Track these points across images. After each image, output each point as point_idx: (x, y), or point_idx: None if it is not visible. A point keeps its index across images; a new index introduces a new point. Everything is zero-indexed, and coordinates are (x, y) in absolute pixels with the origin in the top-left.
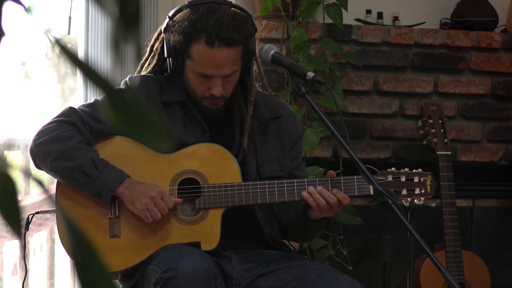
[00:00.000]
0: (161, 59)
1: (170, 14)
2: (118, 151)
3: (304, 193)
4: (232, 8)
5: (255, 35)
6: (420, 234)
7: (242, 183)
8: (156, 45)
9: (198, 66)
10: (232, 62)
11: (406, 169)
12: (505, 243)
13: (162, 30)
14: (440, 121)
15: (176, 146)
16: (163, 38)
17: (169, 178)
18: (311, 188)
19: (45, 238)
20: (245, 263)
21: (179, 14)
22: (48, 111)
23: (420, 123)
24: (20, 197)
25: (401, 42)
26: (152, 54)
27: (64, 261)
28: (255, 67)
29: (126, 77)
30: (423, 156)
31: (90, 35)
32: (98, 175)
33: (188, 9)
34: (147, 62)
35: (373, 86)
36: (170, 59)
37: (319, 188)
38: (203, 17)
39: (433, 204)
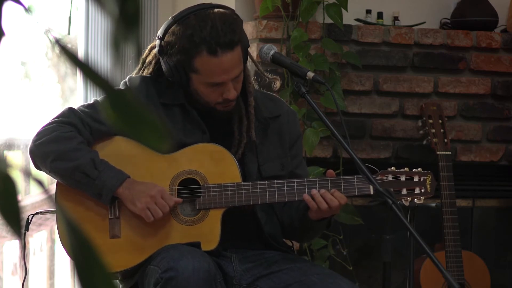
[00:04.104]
0: (155, 68)
1: (160, 34)
2: (118, 151)
3: (306, 196)
4: (216, 9)
5: (254, 35)
6: (420, 234)
7: (242, 183)
8: (148, 58)
9: (207, 78)
10: (237, 63)
11: (406, 168)
12: (505, 243)
13: (157, 53)
14: (440, 121)
15: (175, 147)
16: (155, 55)
17: (169, 178)
18: (313, 191)
19: (45, 238)
20: (245, 263)
21: (170, 32)
22: (48, 111)
23: (420, 123)
24: (20, 197)
25: (401, 42)
26: (144, 65)
27: (64, 261)
28: (254, 69)
29: (126, 78)
30: (423, 156)
31: (90, 35)
32: (98, 176)
33: (177, 25)
34: (140, 72)
35: (373, 86)
36: (172, 78)
37: (322, 191)
38: (197, 28)
39: (433, 204)
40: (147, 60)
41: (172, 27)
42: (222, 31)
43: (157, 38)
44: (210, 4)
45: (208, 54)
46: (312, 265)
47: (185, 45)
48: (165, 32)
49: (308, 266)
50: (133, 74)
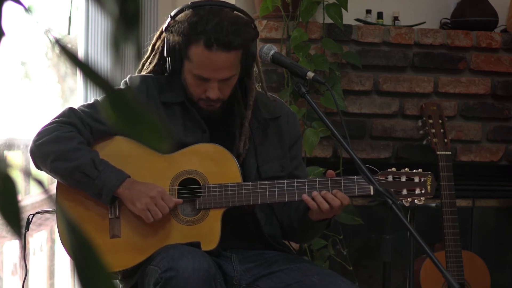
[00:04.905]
0: (161, 58)
1: (172, 14)
2: (118, 151)
3: (305, 196)
4: (235, 12)
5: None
6: (420, 234)
7: (242, 183)
8: (157, 44)
9: (195, 68)
10: (229, 66)
11: (406, 169)
12: (505, 243)
13: (163, 29)
14: (440, 121)
15: (176, 146)
16: (164, 37)
17: (169, 178)
18: (314, 193)
19: (45, 238)
20: (245, 263)
21: (181, 15)
22: (48, 111)
23: (420, 123)
24: (20, 197)
25: (401, 42)
26: (153, 53)
27: (64, 261)
28: (255, 69)
29: (126, 77)
30: (423, 156)
31: (90, 35)
32: (98, 176)
33: (190, 10)
34: (148, 61)
35: (373, 86)
36: (169, 58)
37: (323, 192)
38: (204, 19)
39: (433, 204)
40: (156, 47)
41: (186, 11)
42: (225, 30)
43: (169, 16)
44: (233, 5)
45: (204, 45)
46: (312, 265)
47: (187, 29)
48: (178, 13)
49: (308, 266)
50: (143, 60)
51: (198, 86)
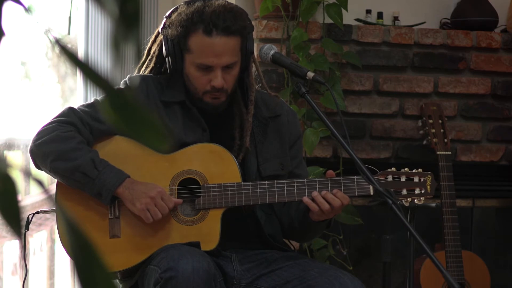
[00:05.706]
0: (159, 61)
1: (167, 14)
2: (118, 151)
3: (306, 198)
4: (227, 2)
5: (254, 35)
6: (420, 234)
7: (242, 183)
8: (153, 48)
9: (197, 58)
10: (230, 51)
11: (406, 169)
12: (505, 243)
13: (160, 30)
14: (440, 121)
15: (176, 145)
16: (160, 41)
17: (169, 178)
18: (315, 193)
19: (45, 238)
20: (245, 263)
21: (176, 12)
22: (48, 111)
23: (420, 123)
24: (20, 197)
25: (401, 42)
26: (149, 57)
27: (64, 261)
28: (254, 69)
29: (126, 77)
30: (423, 156)
31: (90, 35)
32: (98, 175)
33: (184, 6)
34: (145, 65)
35: (373, 86)
36: (169, 57)
37: (323, 192)
38: (200, 9)
39: (433, 204)
40: (151, 51)
41: (180, 9)
42: (222, 16)
43: (164, 17)
44: None
45: (203, 33)
46: (312, 261)
47: (184, 21)
48: (172, 12)
49: (308, 262)
50: (139, 65)
51: (202, 77)
